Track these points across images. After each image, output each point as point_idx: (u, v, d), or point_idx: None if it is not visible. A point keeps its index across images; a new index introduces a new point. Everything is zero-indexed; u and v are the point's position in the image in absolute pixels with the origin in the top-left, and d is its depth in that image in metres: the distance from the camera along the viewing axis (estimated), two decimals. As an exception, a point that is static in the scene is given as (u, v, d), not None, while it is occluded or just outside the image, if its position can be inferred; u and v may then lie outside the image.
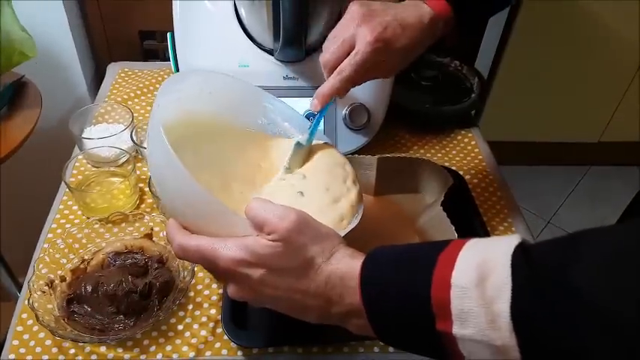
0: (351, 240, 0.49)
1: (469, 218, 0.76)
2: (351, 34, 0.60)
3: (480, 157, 0.92)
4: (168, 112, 0.52)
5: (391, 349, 0.63)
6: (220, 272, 0.47)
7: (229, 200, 0.52)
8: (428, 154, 0.91)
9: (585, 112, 2.00)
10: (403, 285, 0.41)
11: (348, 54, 0.60)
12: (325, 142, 0.64)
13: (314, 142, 0.62)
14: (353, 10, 0.61)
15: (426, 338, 0.40)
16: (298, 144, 0.59)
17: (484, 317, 0.37)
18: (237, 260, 0.44)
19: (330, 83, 0.60)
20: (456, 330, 0.38)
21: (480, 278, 0.37)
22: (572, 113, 2.00)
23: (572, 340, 0.34)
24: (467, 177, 0.85)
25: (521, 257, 0.37)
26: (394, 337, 0.43)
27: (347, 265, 0.44)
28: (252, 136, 0.62)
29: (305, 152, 0.60)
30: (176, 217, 0.49)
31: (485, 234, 0.74)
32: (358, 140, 0.86)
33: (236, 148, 0.61)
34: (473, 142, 0.95)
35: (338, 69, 0.60)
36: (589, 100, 1.95)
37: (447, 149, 0.93)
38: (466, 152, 0.93)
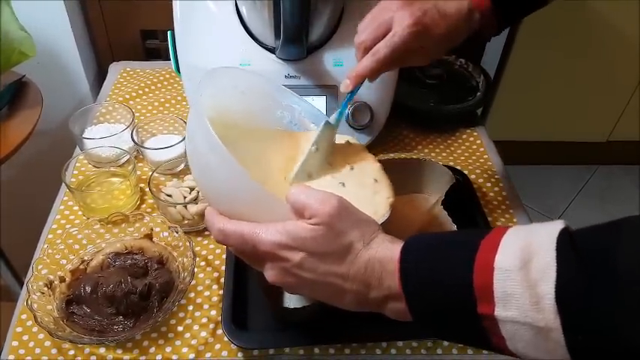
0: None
1: (474, 218, 0.75)
2: (389, 17, 0.59)
3: (486, 156, 0.91)
4: (207, 104, 0.53)
5: (393, 350, 0.63)
6: (260, 256, 0.47)
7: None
8: (432, 153, 0.90)
9: (593, 111, 1.98)
10: (444, 269, 0.41)
11: (384, 36, 0.59)
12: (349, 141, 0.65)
13: (343, 139, 0.63)
14: None
15: (467, 322, 0.41)
16: (327, 123, 0.60)
17: (528, 299, 0.37)
18: (277, 243, 0.45)
19: (363, 63, 0.59)
20: (499, 312, 0.38)
21: (524, 261, 0.38)
22: (580, 112, 1.98)
23: (616, 322, 0.35)
24: (472, 176, 0.84)
25: (566, 241, 0.38)
26: (433, 321, 0.43)
27: (386, 249, 0.45)
28: (282, 134, 0.63)
29: (333, 134, 0.61)
30: (215, 204, 0.50)
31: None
32: (361, 139, 0.85)
33: (270, 146, 0.61)
34: (478, 141, 0.93)
35: (373, 49, 0.59)
36: (597, 99, 1.93)
37: (452, 148, 0.92)
38: (471, 151, 0.91)
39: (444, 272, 0.41)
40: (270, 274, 0.47)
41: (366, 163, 0.62)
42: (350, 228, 0.45)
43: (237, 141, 0.57)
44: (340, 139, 0.64)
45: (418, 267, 0.43)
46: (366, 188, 0.58)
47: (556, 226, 0.39)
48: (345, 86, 0.61)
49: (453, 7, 0.61)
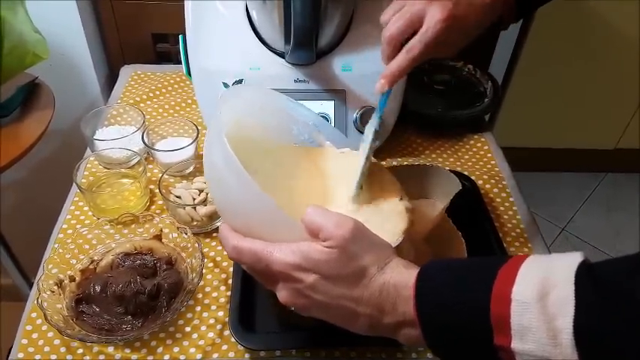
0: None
1: (481, 224, 0.75)
2: (420, 10, 0.57)
3: (493, 162, 0.91)
4: (226, 119, 0.53)
5: (399, 354, 0.63)
6: (273, 276, 0.47)
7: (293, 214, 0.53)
8: (440, 159, 0.91)
9: (602, 119, 1.98)
10: (460, 297, 0.41)
11: (415, 30, 0.58)
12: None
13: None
14: None
15: (483, 352, 0.40)
16: (375, 132, 0.59)
17: (545, 333, 0.36)
18: (291, 264, 0.45)
19: (398, 62, 0.58)
20: (515, 345, 0.38)
21: (542, 294, 0.37)
22: (589, 119, 1.97)
23: (636, 357, 0.34)
24: (479, 182, 0.84)
25: (585, 274, 0.37)
26: (447, 350, 0.43)
27: (401, 274, 0.44)
28: (298, 150, 0.64)
29: (377, 140, 0.61)
30: (229, 221, 0.50)
31: (497, 240, 0.73)
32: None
33: (286, 162, 0.62)
34: (486, 147, 0.94)
35: (407, 47, 0.58)
36: (606, 106, 1.93)
37: (460, 154, 0.92)
38: (478, 157, 0.92)
39: (461, 299, 0.41)
40: (283, 294, 0.47)
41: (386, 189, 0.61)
42: (364, 252, 0.45)
43: (253, 157, 0.58)
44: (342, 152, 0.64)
45: (434, 293, 0.42)
46: (381, 213, 0.58)
47: (575, 259, 0.38)
48: (380, 87, 0.59)
49: None
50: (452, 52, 0.63)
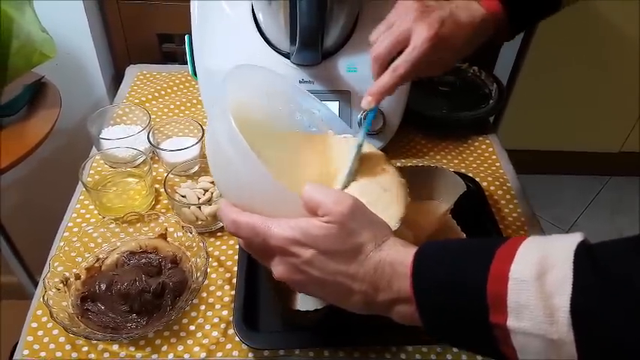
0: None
1: (485, 226, 0.75)
2: (406, 29, 0.58)
3: (498, 164, 0.91)
4: (232, 98, 0.52)
5: (403, 355, 0.63)
6: (270, 250, 0.47)
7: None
8: (444, 161, 0.91)
9: (606, 122, 1.97)
10: (457, 276, 0.41)
11: (402, 49, 0.58)
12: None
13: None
14: (408, 4, 0.60)
15: (477, 331, 0.40)
16: (358, 147, 0.59)
17: (542, 311, 0.37)
18: (288, 238, 0.45)
19: (384, 80, 0.59)
20: (511, 322, 0.38)
21: (540, 272, 0.37)
22: (593, 122, 1.97)
23: (632, 339, 0.34)
24: (484, 184, 0.85)
25: (585, 254, 0.37)
26: (443, 328, 0.43)
27: (398, 252, 0.45)
28: (301, 136, 0.63)
29: (360, 152, 0.61)
30: (230, 197, 0.50)
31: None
32: (374, 145, 0.86)
33: (288, 146, 0.62)
34: (490, 149, 0.94)
35: (393, 66, 0.58)
36: (610, 110, 1.93)
37: (464, 156, 0.92)
38: (483, 159, 0.92)
39: (458, 278, 0.41)
40: (279, 269, 0.47)
41: (385, 175, 0.61)
42: (362, 229, 0.45)
43: (256, 139, 0.57)
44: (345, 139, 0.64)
45: (431, 271, 0.43)
46: (378, 199, 0.58)
47: (574, 239, 0.38)
48: (367, 103, 0.60)
49: (467, 15, 0.60)
50: (440, 71, 0.64)
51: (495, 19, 0.62)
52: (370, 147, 0.64)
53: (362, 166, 0.61)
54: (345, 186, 0.58)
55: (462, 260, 0.42)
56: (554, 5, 0.66)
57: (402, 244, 0.46)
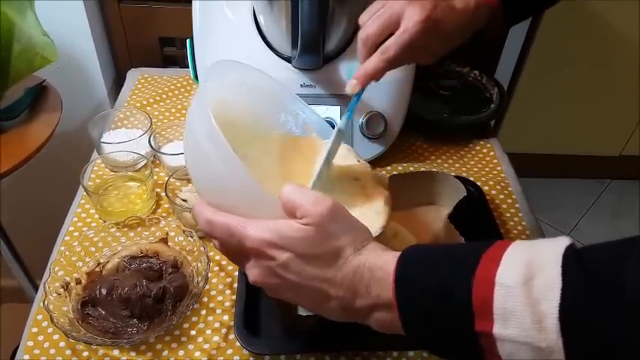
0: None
1: (486, 230, 0.75)
2: (398, 10, 0.56)
3: (499, 168, 0.91)
4: (212, 94, 0.51)
5: (404, 359, 0.63)
6: (244, 252, 0.45)
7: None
8: (445, 165, 0.91)
9: (607, 125, 1.98)
10: (442, 282, 0.39)
11: (392, 31, 0.56)
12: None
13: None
14: None
15: (462, 338, 0.39)
16: (339, 131, 0.57)
17: (529, 317, 0.35)
18: (264, 240, 0.43)
19: (372, 63, 0.57)
20: (497, 330, 0.36)
21: (527, 277, 0.36)
22: (594, 126, 1.97)
23: (624, 345, 0.33)
24: (485, 188, 0.84)
25: (572, 258, 0.36)
26: (426, 335, 0.41)
27: (378, 256, 0.43)
28: (283, 138, 0.61)
29: (342, 140, 0.59)
30: (206, 196, 0.48)
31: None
32: (374, 149, 0.86)
33: (269, 147, 0.60)
34: (492, 153, 0.94)
35: (382, 48, 0.56)
36: (610, 113, 1.93)
37: (465, 160, 0.92)
38: (484, 163, 0.92)
39: (442, 283, 0.39)
40: (253, 272, 0.46)
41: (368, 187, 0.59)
42: (342, 232, 0.43)
43: (236, 138, 0.54)
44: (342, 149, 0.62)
45: (415, 275, 0.41)
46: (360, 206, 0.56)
47: (562, 243, 0.37)
48: (351, 87, 0.58)
49: (462, 1, 0.58)
50: (430, 59, 0.62)
51: (489, 9, 0.60)
52: (355, 157, 0.62)
53: (346, 176, 0.59)
54: (320, 175, 0.56)
55: (447, 265, 0.41)
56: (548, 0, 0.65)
57: (382, 249, 0.44)
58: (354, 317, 0.45)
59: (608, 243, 0.37)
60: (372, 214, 0.55)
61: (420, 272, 0.41)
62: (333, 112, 0.82)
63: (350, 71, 0.82)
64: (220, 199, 0.47)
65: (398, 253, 0.43)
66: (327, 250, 0.43)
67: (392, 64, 0.57)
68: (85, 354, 0.62)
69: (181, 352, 0.63)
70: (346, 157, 0.62)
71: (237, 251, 0.46)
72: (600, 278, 0.35)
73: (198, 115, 0.47)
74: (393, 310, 0.41)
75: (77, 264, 0.68)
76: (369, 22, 0.58)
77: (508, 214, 0.82)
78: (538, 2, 0.66)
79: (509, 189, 0.86)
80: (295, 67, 0.81)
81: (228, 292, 0.69)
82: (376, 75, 0.58)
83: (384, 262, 0.43)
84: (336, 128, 0.58)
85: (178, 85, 1.05)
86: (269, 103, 0.60)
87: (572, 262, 0.36)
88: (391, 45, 0.56)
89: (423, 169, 0.88)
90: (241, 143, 0.56)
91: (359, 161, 0.62)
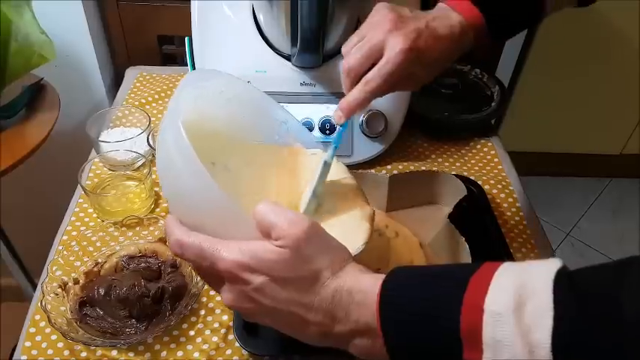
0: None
1: (487, 229, 0.75)
2: (380, 41, 0.55)
3: (500, 166, 0.90)
4: (187, 105, 0.49)
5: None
6: (217, 275, 0.43)
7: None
8: (446, 163, 0.90)
9: (607, 124, 1.97)
10: (429, 308, 0.38)
11: (375, 61, 0.56)
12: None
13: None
14: (382, 14, 0.57)
15: None
16: (326, 163, 0.55)
17: (520, 347, 0.33)
18: (238, 263, 0.41)
19: (355, 95, 0.56)
20: None
21: (517, 304, 0.34)
22: (594, 124, 1.97)
23: None
24: (486, 187, 0.84)
25: (564, 283, 0.34)
26: None
27: (356, 280, 0.41)
28: (265, 147, 0.60)
29: (327, 172, 0.57)
30: (177, 213, 0.46)
31: (503, 245, 0.72)
32: (375, 148, 0.85)
33: (249, 159, 0.58)
34: (492, 152, 0.93)
35: (364, 79, 0.56)
36: (611, 112, 1.93)
37: (466, 158, 0.92)
38: (485, 162, 0.91)
39: (429, 308, 0.38)
40: (227, 296, 0.44)
41: (346, 185, 0.58)
42: (319, 254, 0.41)
43: (216, 149, 0.54)
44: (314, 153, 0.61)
45: (400, 301, 0.39)
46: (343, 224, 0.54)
47: (552, 266, 0.35)
48: (337, 118, 0.57)
49: (445, 27, 0.57)
50: (415, 87, 0.61)
51: (475, 30, 0.59)
52: (343, 172, 0.60)
53: (331, 192, 0.57)
54: (309, 209, 0.55)
55: (433, 291, 0.39)
56: (534, 16, 0.64)
57: (360, 270, 0.42)
58: (334, 343, 0.43)
59: (601, 265, 0.36)
60: (354, 230, 0.53)
61: (404, 297, 0.39)
62: (333, 110, 0.81)
63: (350, 69, 0.81)
64: (192, 216, 0.45)
65: (379, 276, 0.41)
66: (303, 274, 0.41)
67: (375, 94, 0.56)
68: (84, 354, 0.62)
69: (180, 353, 0.62)
70: (335, 170, 0.60)
71: (209, 274, 0.44)
72: (594, 305, 0.33)
73: (169, 126, 0.45)
74: (375, 336, 0.40)
75: (75, 264, 0.68)
76: (352, 53, 0.57)
77: (509, 213, 0.82)
78: (522, 20, 0.64)
79: (510, 188, 0.86)
80: (295, 65, 0.81)
81: (227, 292, 0.69)
82: (360, 106, 0.57)
83: (363, 285, 0.41)
84: (321, 161, 0.56)
85: (177, 83, 1.04)
86: (250, 112, 0.58)
87: (564, 287, 0.34)
88: (373, 77, 0.55)
89: (423, 168, 0.88)
90: (221, 154, 0.54)
91: (345, 176, 0.60)
